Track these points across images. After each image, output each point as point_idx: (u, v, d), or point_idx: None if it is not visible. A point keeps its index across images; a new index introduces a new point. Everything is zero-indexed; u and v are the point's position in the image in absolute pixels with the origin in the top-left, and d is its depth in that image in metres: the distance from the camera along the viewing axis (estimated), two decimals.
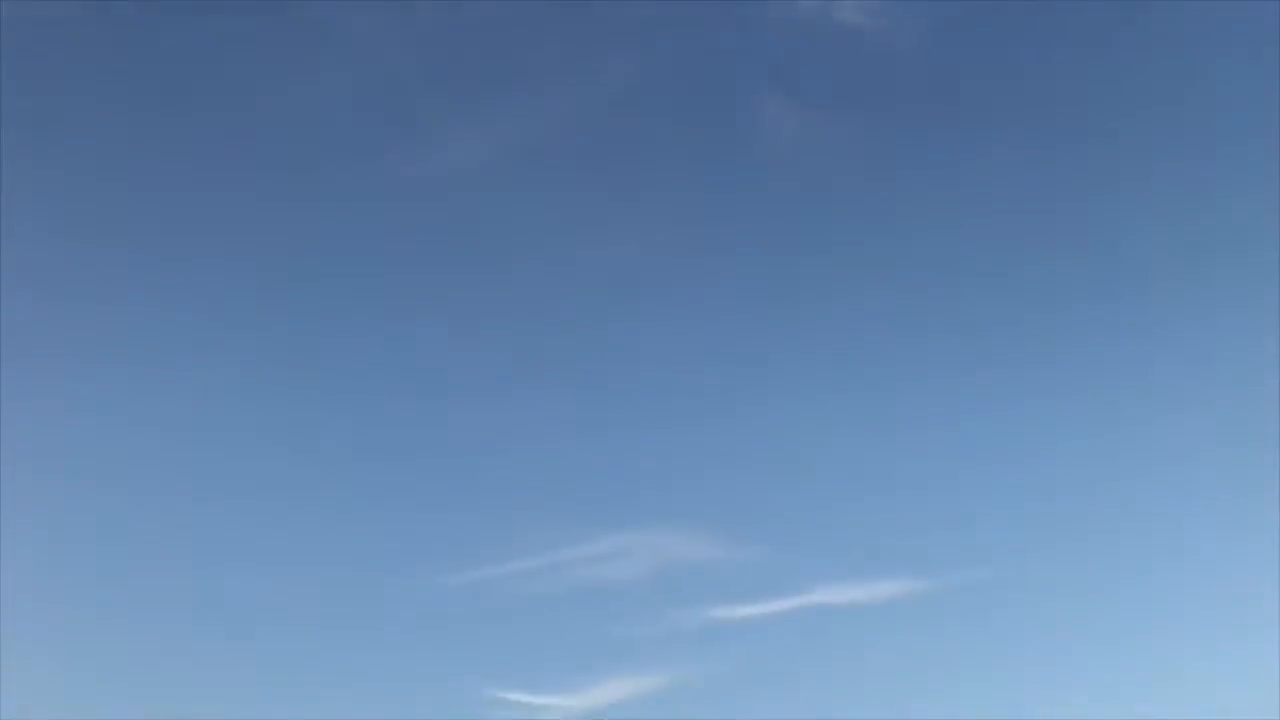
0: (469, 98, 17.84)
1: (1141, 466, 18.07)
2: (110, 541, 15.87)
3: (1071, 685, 19.43)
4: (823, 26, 18.72)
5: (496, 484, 25.39)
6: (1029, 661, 25.55)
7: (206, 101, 17.14)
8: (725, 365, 23.15)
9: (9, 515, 14.95)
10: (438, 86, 17.92)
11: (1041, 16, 18.61)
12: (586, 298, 20.05)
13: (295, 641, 18.99)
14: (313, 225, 17.46)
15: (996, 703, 22.90)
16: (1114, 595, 17.50)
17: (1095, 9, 18.97)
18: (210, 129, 17.04)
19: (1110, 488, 17.71)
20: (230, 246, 16.81)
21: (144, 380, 16.55)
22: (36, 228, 16.21)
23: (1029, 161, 19.12)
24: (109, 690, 15.69)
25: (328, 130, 17.72)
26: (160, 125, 17.08)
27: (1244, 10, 18.59)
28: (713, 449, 25.30)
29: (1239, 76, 18.97)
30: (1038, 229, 19.16)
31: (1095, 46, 19.21)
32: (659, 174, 18.43)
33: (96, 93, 17.01)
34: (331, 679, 21.64)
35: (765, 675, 29.32)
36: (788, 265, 19.97)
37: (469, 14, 17.86)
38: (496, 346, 18.14)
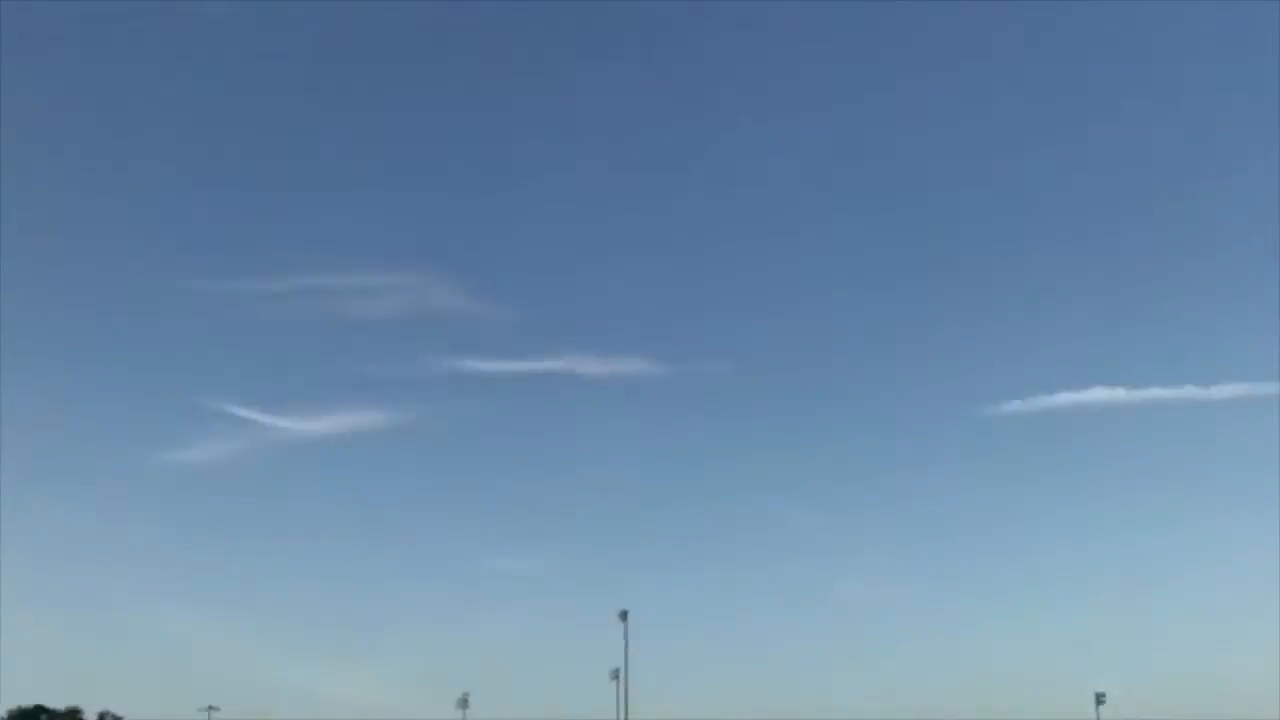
0: None
1: None
2: None
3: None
4: None
5: (256, 204, 26.73)
6: (751, 450, 27.15)
7: None
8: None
9: None
10: None
11: None
12: None
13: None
14: None
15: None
16: None
17: None
18: None
19: None
20: None
21: None
22: None
23: None
24: None
25: None
26: None
27: None
28: (480, 207, 26.95)
29: None
30: None
31: None
32: None
33: None
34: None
35: (507, 428, 29.11)
36: None
37: None
38: None
